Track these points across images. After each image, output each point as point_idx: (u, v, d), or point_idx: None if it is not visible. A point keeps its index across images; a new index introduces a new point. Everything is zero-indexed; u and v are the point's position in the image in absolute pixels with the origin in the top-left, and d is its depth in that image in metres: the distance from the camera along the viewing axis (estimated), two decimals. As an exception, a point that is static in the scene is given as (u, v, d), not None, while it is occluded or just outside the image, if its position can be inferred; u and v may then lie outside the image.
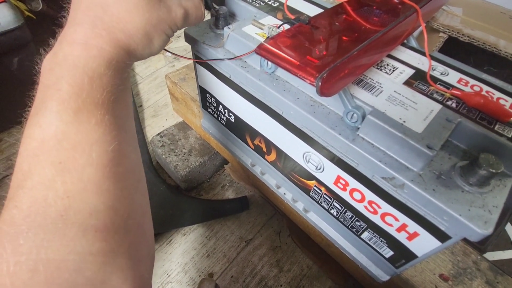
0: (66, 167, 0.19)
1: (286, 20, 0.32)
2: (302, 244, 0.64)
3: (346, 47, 0.26)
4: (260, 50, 0.25)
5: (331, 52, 0.25)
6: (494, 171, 0.25)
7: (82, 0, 0.23)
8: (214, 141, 0.63)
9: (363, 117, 0.30)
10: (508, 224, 0.75)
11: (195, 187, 0.73)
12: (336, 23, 0.30)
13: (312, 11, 0.41)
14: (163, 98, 0.93)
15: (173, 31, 0.28)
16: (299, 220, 0.52)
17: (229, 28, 0.38)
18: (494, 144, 0.28)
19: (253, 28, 0.38)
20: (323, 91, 0.23)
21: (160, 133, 0.73)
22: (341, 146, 0.31)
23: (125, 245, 0.20)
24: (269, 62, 0.35)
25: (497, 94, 0.32)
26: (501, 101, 0.32)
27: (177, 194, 0.69)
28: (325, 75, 0.22)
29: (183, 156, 0.69)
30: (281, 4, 0.43)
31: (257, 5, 0.42)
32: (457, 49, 0.57)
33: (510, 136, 0.28)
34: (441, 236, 0.29)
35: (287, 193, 0.48)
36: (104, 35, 0.22)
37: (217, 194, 0.72)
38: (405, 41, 0.39)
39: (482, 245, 0.56)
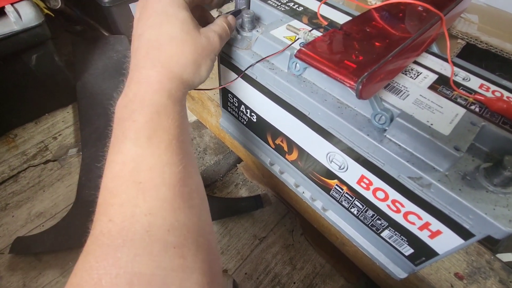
0: (146, 187, 0.21)
1: (316, 26, 0.34)
2: (315, 243, 0.65)
3: (380, 53, 0.27)
4: (300, 55, 0.27)
5: (367, 57, 0.27)
6: (518, 172, 0.27)
7: (140, 48, 0.27)
8: (230, 140, 0.65)
9: (391, 119, 0.31)
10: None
11: (209, 185, 0.75)
12: (367, 29, 0.31)
13: (338, 17, 0.42)
14: (176, 97, 0.94)
15: (215, 55, 0.32)
16: (314, 218, 0.54)
17: (257, 31, 0.39)
18: (517, 148, 0.30)
19: (281, 31, 0.39)
20: (362, 94, 0.24)
21: (175, 131, 0.75)
22: (368, 147, 0.32)
23: (199, 262, 0.22)
24: (298, 65, 0.36)
25: (518, 100, 0.34)
26: (522, 107, 0.33)
27: (192, 191, 0.70)
28: (365, 79, 0.24)
29: (198, 155, 0.70)
30: (306, 9, 0.44)
31: (283, 9, 0.44)
32: (470, 55, 0.58)
33: (532, 140, 0.30)
34: (464, 234, 0.30)
35: (306, 192, 0.50)
36: (162, 71, 0.26)
37: (230, 192, 0.74)
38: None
39: (494, 246, 0.58)
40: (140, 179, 0.21)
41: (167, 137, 0.24)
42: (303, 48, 0.27)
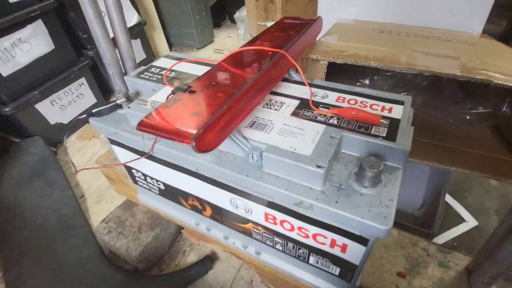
0: None
1: (172, 91, 0.35)
2: (276, 286, 0.62)
3: (221, 102, 0.29)
4: (140, 127, 0.27)
5: (206, 111, 0.28)
6: (376, 170, 0.29)
7: None
8: (160, 211, 0.62)
9: (261, 154, 0.32)
10: (456, 202, 0.81)
11: (155, 263, 0.69)
12: (213, 83, 0.33)
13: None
14: (105, 181, 0.90)
15: None
16: (261, 264, 0.51)
17: (129, 107, 0.40)
18: (375, 145, 0.32)
19: (159, 95, 0.41)
20: (200, 149, 0.25)
21: (104, 219, 0.70)
22: (252, 186, 0.33)
23: None
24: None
25: (370, 102, 0.38)
26: (374, 107, 0.37)
27: (136, 278, 0.64)
28: (199, 132, 0.25)
29: (133, 236, 0.66)
30: (177, 73, 0.46)
31: (155, 79, 0.46)
32: (339, 69, 0.64)
33: (384, 135, 0.32)
34: (361, 240, 0.31)
35: (236, 241, 0.48)
36: None
37: (179, 263, 0.69)
38: (289, 76, 0.44)
39: (429, 229, 0.60)
40: None
41: None
42: (143, 119, 0.28)
